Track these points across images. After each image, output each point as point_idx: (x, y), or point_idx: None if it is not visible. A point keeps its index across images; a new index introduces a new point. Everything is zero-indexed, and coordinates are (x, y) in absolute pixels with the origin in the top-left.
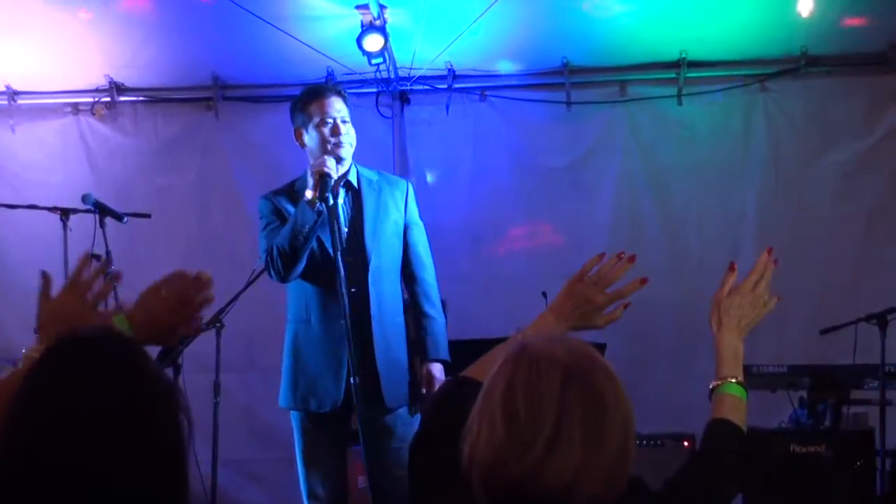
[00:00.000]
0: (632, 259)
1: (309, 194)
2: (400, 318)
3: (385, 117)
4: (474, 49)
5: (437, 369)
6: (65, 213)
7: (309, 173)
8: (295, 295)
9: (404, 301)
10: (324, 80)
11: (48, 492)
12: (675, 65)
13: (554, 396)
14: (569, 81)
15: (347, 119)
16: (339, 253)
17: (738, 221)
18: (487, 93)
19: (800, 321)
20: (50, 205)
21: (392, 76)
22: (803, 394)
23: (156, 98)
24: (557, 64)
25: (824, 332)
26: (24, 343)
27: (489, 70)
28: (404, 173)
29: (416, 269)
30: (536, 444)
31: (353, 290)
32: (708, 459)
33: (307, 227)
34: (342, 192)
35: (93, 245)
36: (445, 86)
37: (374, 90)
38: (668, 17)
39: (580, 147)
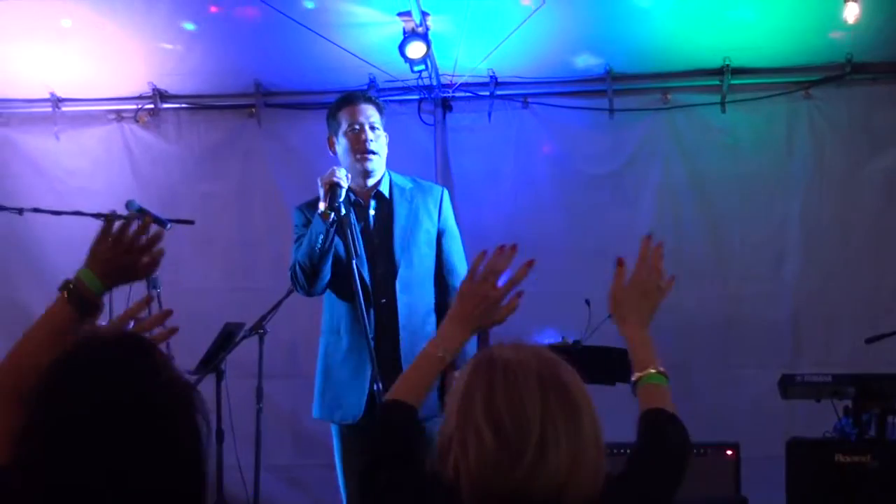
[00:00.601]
0: (514, 249)
1: (321, 206)
2: (430, 328)
3: (427, 124)
4: (516, 56)
5: None
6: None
7: (319, 184)
8: (328, 306)
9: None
10: (366, 87)
11: (64, 493)
12: (719, 72)
13: (535, 401)
14: (611, 88)
15: (378, 126)
16: (353, 262)
17: (781, 229)
18: (530, 100)
19: (845, 330)
20: (94, 211)
21: (434, 83)
22: (848, 403)
23: (199, 105)
24: (600, 71)
25: (870, 340)
26: None
27: (531, 77)
28: (446, 180)
29: (447, 277)
30: (527, 450)
31: (382, 300)
32: (651, 450)
33: (320, 239)
34: (372, 203)
35: None
36: (488, 93)
37: (417, 97)
38: (711, 23)
39: (622, 154)
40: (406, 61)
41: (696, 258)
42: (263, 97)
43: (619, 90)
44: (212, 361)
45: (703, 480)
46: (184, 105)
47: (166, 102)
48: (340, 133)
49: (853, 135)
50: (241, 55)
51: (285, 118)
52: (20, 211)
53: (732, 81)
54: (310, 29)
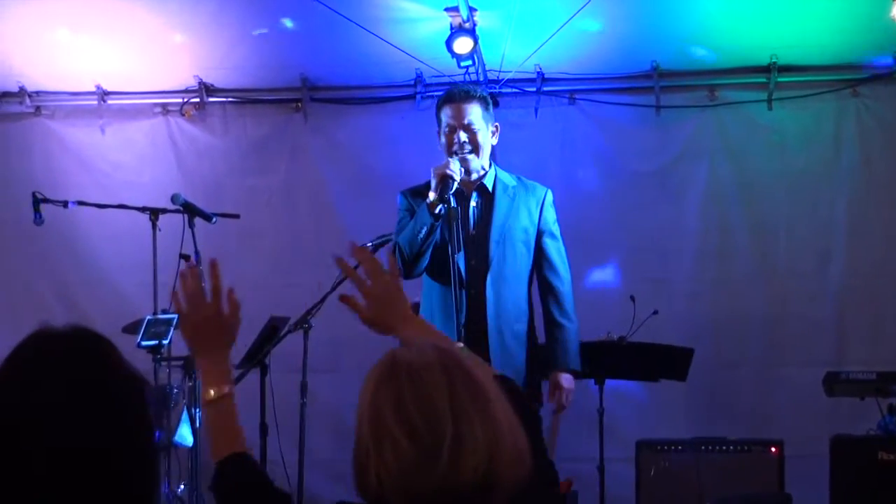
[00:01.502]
0: (212, 265)
1: (431, 196)
2: (521, 326)
3: None
4: (563, 52)
5: (566, 379)
6: (154, 214)
7: (432, 175)
8: (426, 290)
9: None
10: (412, 82)
11: (19, 483)
12: (766, 69)
13: (444, 398)
14: (658, 85)
15: (475, 124)
16: (456, 255)
17: (828, 228)
18: (576, 96)
19: (890, 329)
20: (139, 205)
21: (481, 79)
22: (893, 401)
23: (244, 99)
24: (647, 67)
25: None
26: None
27: (578, 73)
28: None
29: (547, 277)
30: (443, 448)
31: (472, 291)
32: None
33: (424, 229)
34: (474, 195)
35: (181, 245)
36: (534, 88)
37: None
38: (758, 20)
39: (669, 152)
40: (453, 56)
41: (741, 256)
42: (309, 91)
43: (665, 87)
44: (256, 356)
45: (747, 477)
46: (230, 99)
47: (212, 96)
48: (440, 130)
49: None
50: (288, 49)
51: (331, 113)
52: (65, 204)
53: (779, 79)
54: (356, 24)
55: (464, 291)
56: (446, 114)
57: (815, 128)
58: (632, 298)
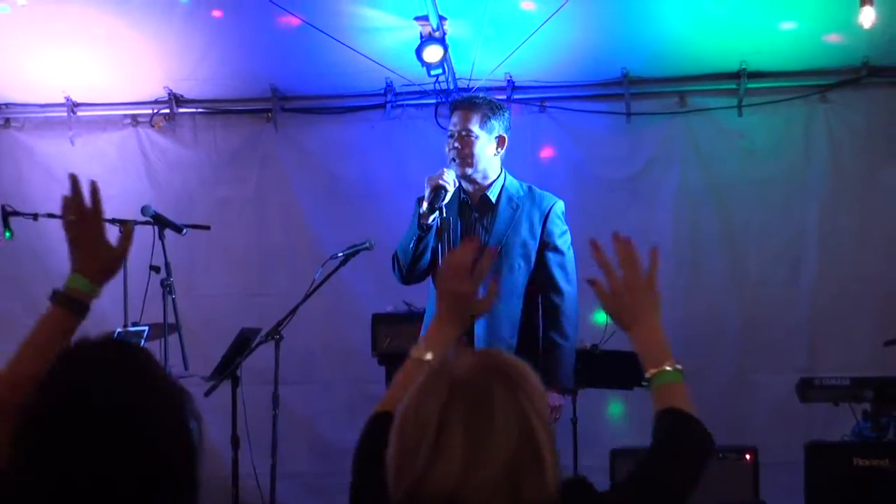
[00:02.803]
0: (484, 250)
1: (423, 206)
2: (513, 339)
3: (444, 129)
4: (534, 60)
5: (554, 397)
6: (124, 225)
7: (425, 183)
8: (431, 295)
9: (526, 323)
10: (382, 91)
11: (58, 495)
12: (736, 75)
13: (436, 407)
14: (628, 92)
15: (471, 131)
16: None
17: (799, 234)
18: (547, 104)
19: (864, 334)
20: (109, 217)
21: (451, 87)
22: (867, 406)
23: (215, 110)
24: (617, 74)
25: (888, 343)
26: None
27: (549, 81)
28: None
29: (546, 292)
30: (420, 453)
31: None
32: (666, 451)
33: (413, 240)
34: (477, 206)
35: (151, 257)
36: (505, 97)
37: (434, 101)
38: (727, 27)
39: (640, 159)
40: (423, 65)
41: (712, 263)
42: (280, 101)
43: (636, 94)
44: (227, 367)
45: (722, 485)
46: (200, 110)
47: (182, 107)
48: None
49: (871, 139)
50: (258, 60)
51: (302, 123)
52: (35, 216)
53: (749, 85)
54: (326, 33)
55: None
56: (451, 121)
57: (785, 134)
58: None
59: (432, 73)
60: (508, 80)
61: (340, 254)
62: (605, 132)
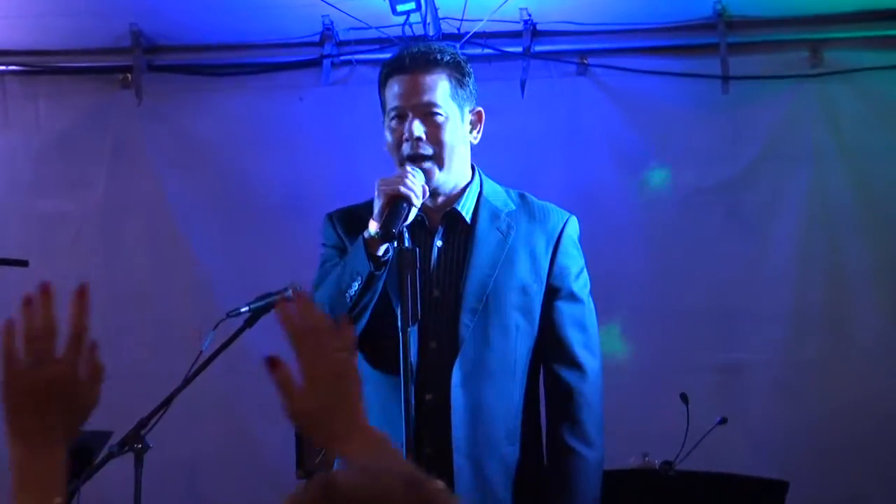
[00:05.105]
0: (45, 293)
1: (372, 227)
2: (514, 450)
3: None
4: None
5: None
6: None
7: (376, 192)
8: (364, 376)
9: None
10: (316, 38)
11: None
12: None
13: None
14: (725, 42)
15: (437, 105)
16: (408, 331)
17: None
18: (590, 59)
19: None
20: None
21: (431, 33)
22: None
23: (36, 68)
24: (707, 12)
25: None
26: None
27: (592, 23)
28: None
29: (557, 368)
30: None
31: (427, 396)
32: None
33: (358, 281)
34: (440, 229)
35: None
36: (520, 48)
37: None
38: None
39: (744, 153)
40: None
41: (864, 320)
42: (146, 55)
43: (737, 44)
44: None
45: None
46: (12, 68)
47: None
48: (385, 118)
49: None
50: None
51: (181, 90)
52: None
53: None
54: None
55: (412, 394)
56: (393, 91)
57: None
58: (682, 397)
59: (399, 9)
60: (527, 22)
61: (245, 308)
62: (686, 108)
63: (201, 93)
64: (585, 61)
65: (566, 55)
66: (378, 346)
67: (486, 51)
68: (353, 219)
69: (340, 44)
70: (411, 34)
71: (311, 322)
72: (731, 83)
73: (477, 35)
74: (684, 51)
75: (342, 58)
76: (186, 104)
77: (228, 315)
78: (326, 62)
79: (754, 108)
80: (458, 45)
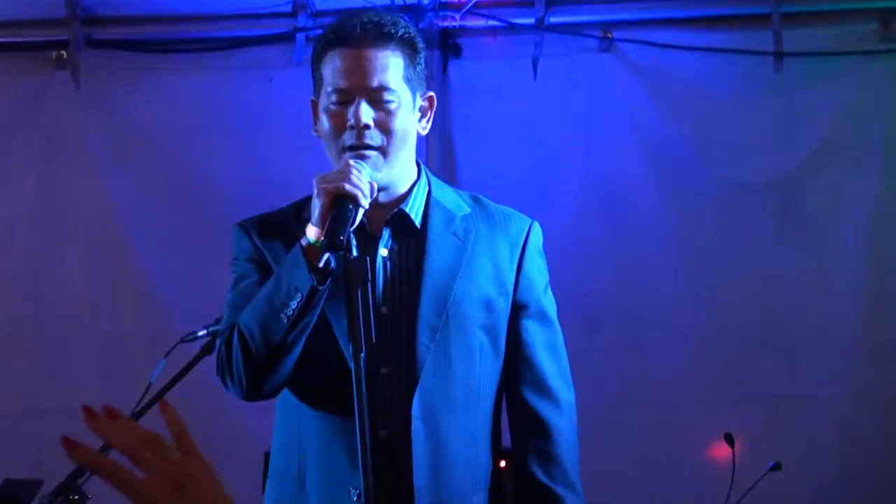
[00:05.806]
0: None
1: (312, 234)
2: (482, 497)
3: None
4: None
5: None
6: None
7: (315, 192)
8: (282, 426)
9: (503, 454)
10: (288, 7)
11: None
12: None
13: None
14: (778, 12)
15: (389, 89)
16: (359, 357)
17: None
18: (613, 33)
19: None
20: None
21: (426, 2)
22: None
23: None
24: None
25: None
26: None
27: None
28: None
29: (529, 398)
30: None
31: (381, 431)
32: None
33: (297, 299)
34: (386, 234)
35: None
36: (532, 19)
37: None
38: None
39: (800, 145)
40: None
41: None
42: (84, 27)
43: (791, 14)
44: None
45: None
46: None
47: None
48: (321, 100)
49: None
50: None
51: (126, 71)
52: None
53: None
54: None
55: (368, 430)
56: (335, 67)
57: None
58: (727, 437)
59: None
60: None
61: (203, 331)
62: (730, 91)
63: (150, 73)
64: (609, 35)
65: (586, 27)
66: (314, 379)
67: (492, 22)
68: (271, 226)
69: (316, 14)
70: (402, 3)
71: (130, 438)
72: (786, 61)
73: (480, 3)
74: (728, 22)
75: (318, 31)
76: (132, 87)
77: (182, 340)
78: (300, 36)
79: (813, 90)
80: (458, 16)
